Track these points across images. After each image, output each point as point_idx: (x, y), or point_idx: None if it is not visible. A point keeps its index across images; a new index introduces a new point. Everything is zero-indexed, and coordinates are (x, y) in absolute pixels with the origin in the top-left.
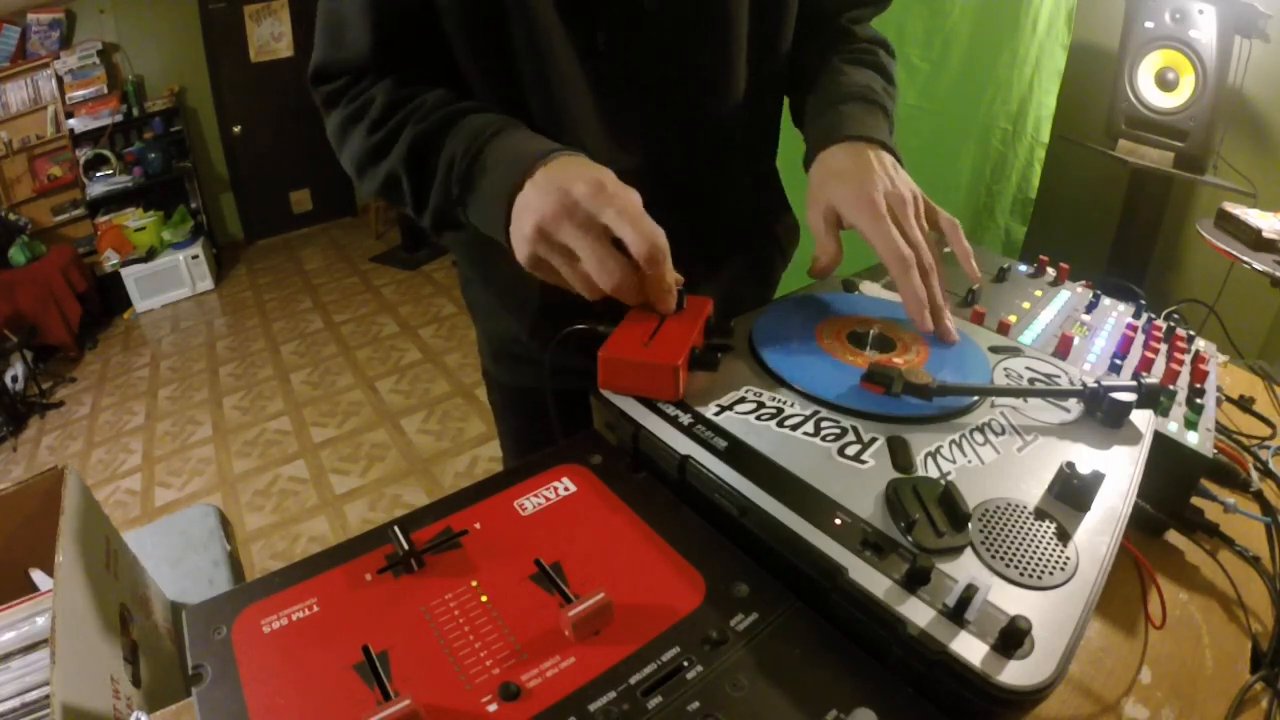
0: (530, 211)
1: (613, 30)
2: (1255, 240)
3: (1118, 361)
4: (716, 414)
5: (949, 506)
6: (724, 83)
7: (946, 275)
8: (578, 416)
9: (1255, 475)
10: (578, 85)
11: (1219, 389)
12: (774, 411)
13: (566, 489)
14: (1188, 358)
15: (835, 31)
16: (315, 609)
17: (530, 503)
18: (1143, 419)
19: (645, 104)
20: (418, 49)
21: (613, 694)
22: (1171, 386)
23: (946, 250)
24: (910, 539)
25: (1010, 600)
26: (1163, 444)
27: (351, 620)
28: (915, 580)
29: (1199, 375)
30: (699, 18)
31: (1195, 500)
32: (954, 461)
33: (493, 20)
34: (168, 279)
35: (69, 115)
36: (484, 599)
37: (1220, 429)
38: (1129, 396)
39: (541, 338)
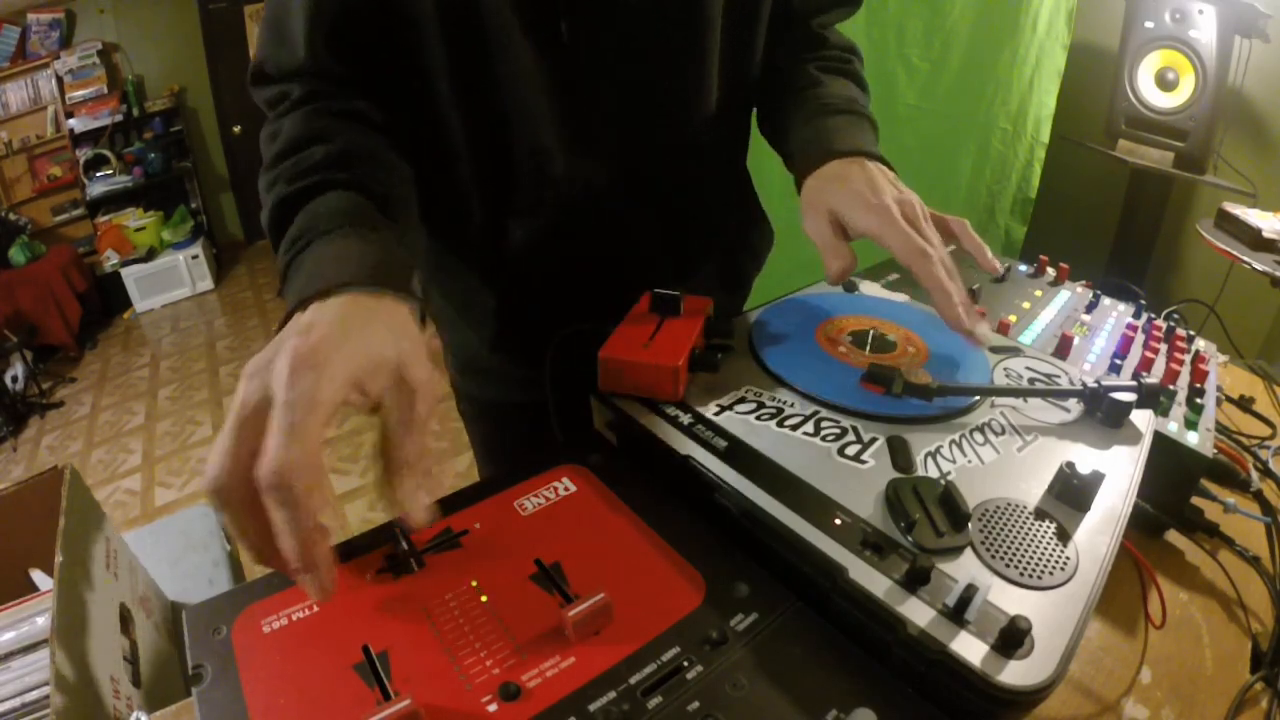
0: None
1: (579, 20)
2: (1255, 240)
3: (1118, 361)
4: (716, 414)
5: (949, 506)
6: (697, 79)
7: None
8: (571, 427)
9: (1255, 475)
10: (535, 80)
11: (1219, 389)
12: (774, 411)
13: (566, 489)
14: (1188, 358)
15: (806, 36)
16: (315, 609)
17: (530, 503)
18: (1143, 419)
19: (612, 102)
20: (355, 48)
21: (613, 694)
22: (1171, 386)
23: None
24: (910, 539)
25: (1010, 600)
26: (1163, 444)
27: (351, 620)
28: (915, 580)
29: (1199, 375)
30: (673, 10)
31: (1195, 500)
32: (954, 461)
33: (457, 11)
34: (168, 279)
35: (69, 115)
36: (484, 599)
37: (1220, 429)
38: (1129, 396)
39: (502, 352)
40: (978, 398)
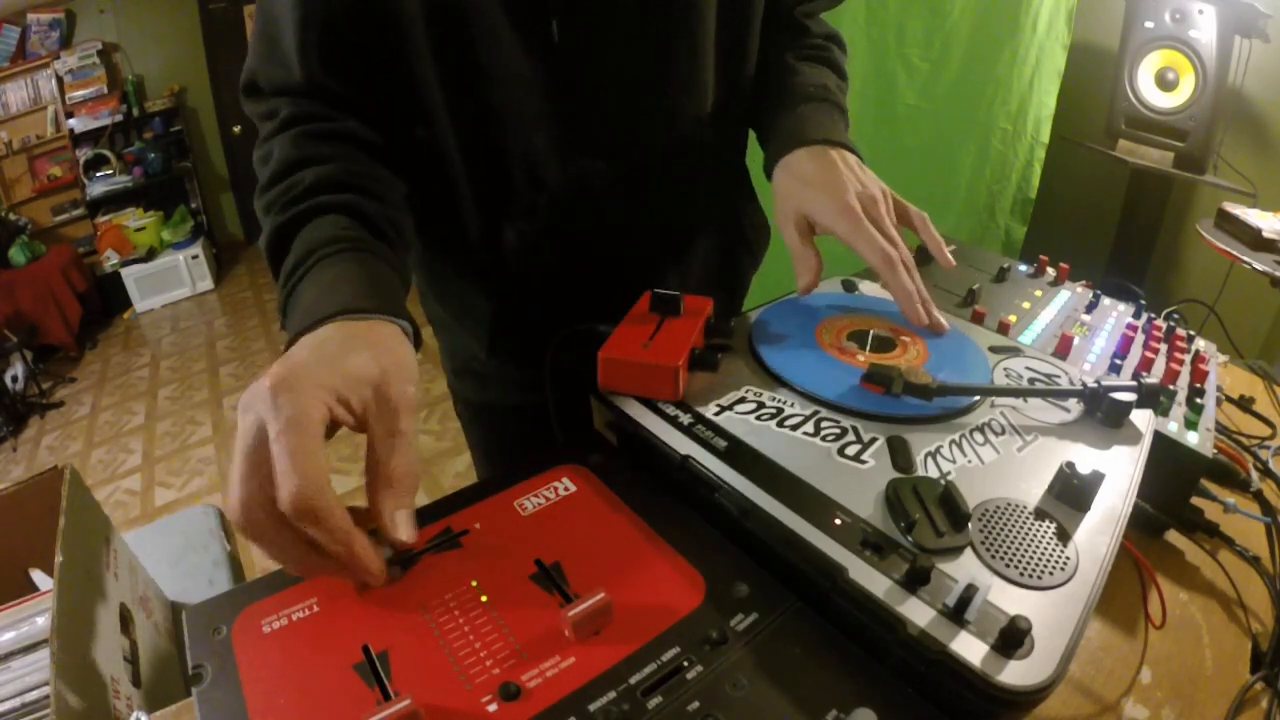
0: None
1: (570, 20)
2: (1255, 240)
3: (1118, 361)
4: (716, 414)
5: (949, 506)
6: (692, 78)
7: (943, 276)
8: (571, 427)
9: (1255, 475)
10: (526, 81)
11: (1219, 389)
12: (774, 411)
13: (566, 489)
14: (1188, 358)
15: (790, 25)
16: (315, 609)
17: (530, 503)
18: (1143, 419)
19: (607, 102)
20: (346, 60)
21: (613, 694)
22: (1171, 386)
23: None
24: (910, 539)
25: (1010, 600)
26: (1163, 444)
27: (351, 620)
28: (915, 580)
29: (1199, 375)
30: (665, 8)
31: (1195, 500)
32: (954, 461)
33: (444, 13)
34: (168, 279)
35: (69, 115)
36: (484, 599)
37: (1220, 429)
38: (1129, 396)
39: (500, 356)
40: (978, 398)
